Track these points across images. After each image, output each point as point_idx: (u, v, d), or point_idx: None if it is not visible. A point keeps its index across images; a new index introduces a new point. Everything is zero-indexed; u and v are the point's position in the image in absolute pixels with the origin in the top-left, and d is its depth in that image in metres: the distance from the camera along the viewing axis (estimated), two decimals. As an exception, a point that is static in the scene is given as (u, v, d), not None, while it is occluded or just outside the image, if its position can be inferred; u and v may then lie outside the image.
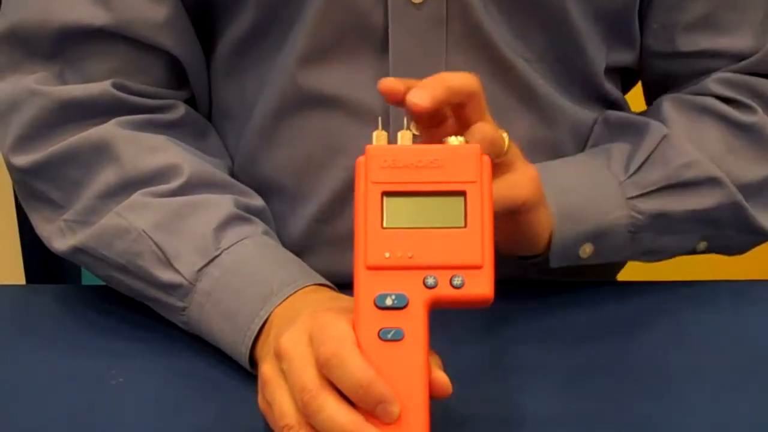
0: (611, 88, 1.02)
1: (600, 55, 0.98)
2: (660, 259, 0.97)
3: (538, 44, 0.95)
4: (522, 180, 0.81)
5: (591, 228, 0.91)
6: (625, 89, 1.07)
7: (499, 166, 0.80)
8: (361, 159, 0.73)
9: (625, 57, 1.01)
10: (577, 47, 0.96)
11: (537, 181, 0.82)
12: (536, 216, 0.86)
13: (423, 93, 0.75)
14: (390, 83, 0.76)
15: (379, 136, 0.74)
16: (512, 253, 0.90)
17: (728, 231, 0.96)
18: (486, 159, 0.73)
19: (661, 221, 0.93)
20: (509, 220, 0.84)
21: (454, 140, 0.75)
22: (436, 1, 0.91)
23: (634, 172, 0.93)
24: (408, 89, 0.76)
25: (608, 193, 0.92)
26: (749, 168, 0.96)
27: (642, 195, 0.92)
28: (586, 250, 0.91)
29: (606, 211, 0.91)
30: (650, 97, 1.05)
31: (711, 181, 0.94)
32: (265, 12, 0.93)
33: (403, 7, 0.91)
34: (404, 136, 0.74)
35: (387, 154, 0.72)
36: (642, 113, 1.00)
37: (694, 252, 0.98)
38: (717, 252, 0.99)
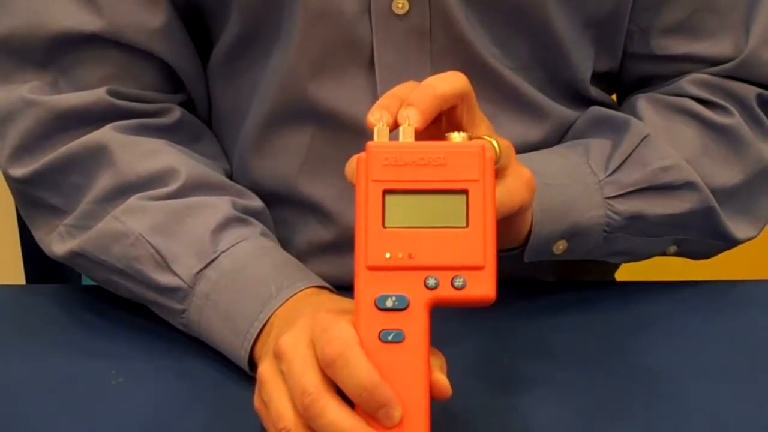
0: (598, 93, 1.01)
1: (586, 62, 0.98)
2: (630, 261, 0.97)
3: (521, 53, 0.95)
4: (517, 185, 0.80)
5: (568, 226, 0.90)
6: (611, 90, 1.06)
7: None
8: (361, 156, 0.72)
9: (612, 63, 1.00)
10: (561, 55, 0.96)
11: (532, 183, 0.81)
12: (524, 216, 0.86)
13: (413, 113, 0.73)
14: (375, 118, 0.73)
15: (380, 132, 0.73)
16: None
17: (699, 236, 0.96)
18: (489, 156, 0.72)
19: (636, 223, 0.93)
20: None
21: (456, 136, 0.73)
22: (419, 13, 0.91)
23: (613, 171, 0.92)
24: (396, 111, 0.73)
25: (587, 191, 0.91)
26: (723, 172, 0.95)
27: (620, 195, 0.92)
28: (560, 246, 0.91)
29: (584, 209, 0.91)
30: (623, 96, 1.05)
31: (688, 186, 0.93)
32: (249, 22, 0.93)
33: (386, 20, 0.91)
34: (406, 132, 0.73)
35: (388, 151, 0.71)
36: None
37: (663, 254, 0.98)
38: (686, 256, 0.99)
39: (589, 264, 1.02)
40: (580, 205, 0.91)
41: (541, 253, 0.91)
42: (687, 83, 0.97)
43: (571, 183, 0.91)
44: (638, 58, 1.00)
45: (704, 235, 0.96)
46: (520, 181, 0.80)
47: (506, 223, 0.83)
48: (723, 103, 0.96)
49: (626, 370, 0.86)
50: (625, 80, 1.03)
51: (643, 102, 0.97)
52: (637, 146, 0.93)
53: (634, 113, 0.96)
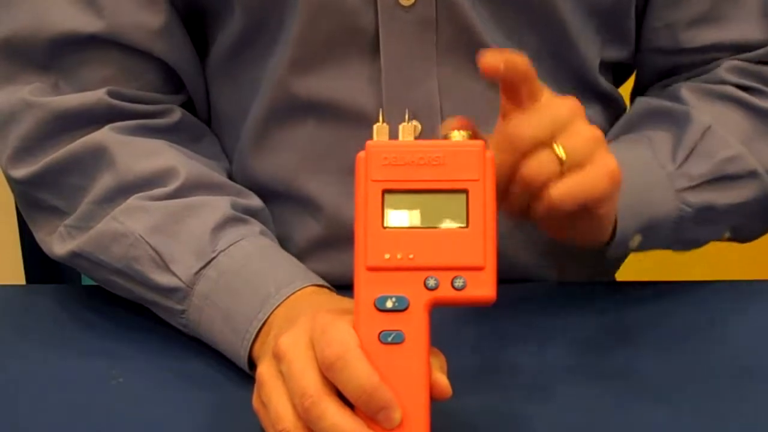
0: (606, 83, 1.02)
1: (594, 50, 0.98)
2: (689, 249, 0.97)
3: (529, 43, 0.94)
4: (599, 175, 0.79)
5: (646, 220, 0.90)
6: (618, 83, 1.06)
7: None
8: (361, 155, 0.72)
9: (620, 53, 1.01)
10: (569, 44, 0.96)
11: (617, 175, 0.79)
12: (608, 210, 0.84)
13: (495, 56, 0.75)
14: (488, 60, 0.76)
15: (379, 130, 0.73)
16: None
17: (758, 222, 0.97)
18: (489, 156, 0.71)
19: (706, 213, 0.93)
20: (582, 212, 0.81)
21: (457, 135, 0.73)
22: (425, 4, 0.91)
23: (681, 164, 0.92)
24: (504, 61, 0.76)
25: (659, 184, 0.92)
26: None
27: (691, 188, 0.92)
28: (635, 240, 0.91)
29: (659, 203, 0.91)
30: (640, 91, 1.05)
31: (751, 175, 0.94)
32: (252, 18, 0.93)
33: (392, 10, 0.91)
34: (405, 130, 0.73)
35: (387, 150, 0.71)
36: None
37: (718, 240, 0.98)
38: (736, 240, 1.00)
39: (590, 263, 1.02)
40: (655, 198, 0.91)
41: (621, 247, 0.91)
42: (724, 71, 0.98)
43: (644, 176, 0.91)
44: (666, 52, 1.00)
45: (762, 221, 0.97)
46: (603, 170, 0.79)
47: (587, 216, 0.82)
48: (763, 87, 0.97)
49: (626, 370, 0.86)
50: (649, 74, 1.04)
51: (685, 91, 0.98)
52: (701, 137, 0.93)
53: (679, 103, 0.97)
